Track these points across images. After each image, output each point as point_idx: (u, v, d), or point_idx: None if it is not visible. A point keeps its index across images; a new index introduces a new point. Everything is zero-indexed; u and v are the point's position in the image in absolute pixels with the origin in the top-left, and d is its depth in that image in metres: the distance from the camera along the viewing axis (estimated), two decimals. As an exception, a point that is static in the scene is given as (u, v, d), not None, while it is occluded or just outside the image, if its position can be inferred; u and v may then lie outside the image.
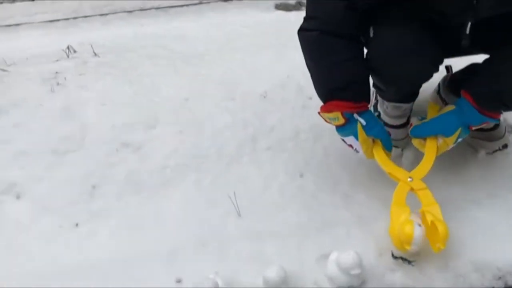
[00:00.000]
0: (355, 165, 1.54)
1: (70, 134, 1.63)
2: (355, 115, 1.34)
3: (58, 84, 1.83)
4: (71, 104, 1.74)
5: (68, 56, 2.06)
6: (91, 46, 2.13)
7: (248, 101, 1.79)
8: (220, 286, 1.14)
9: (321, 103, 1.37)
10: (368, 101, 1.38)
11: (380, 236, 1.30)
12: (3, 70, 1.92)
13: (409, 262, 1.26)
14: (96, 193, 1.48)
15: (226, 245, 1.33)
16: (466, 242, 1.27)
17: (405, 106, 1.54)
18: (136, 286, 1.21)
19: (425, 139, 1.40)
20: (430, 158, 1.36)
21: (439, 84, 1.67)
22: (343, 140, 1.40)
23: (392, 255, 1.28)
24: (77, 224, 1.39)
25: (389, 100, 1.53)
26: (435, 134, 1.38)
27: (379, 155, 1.38)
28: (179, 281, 1.23)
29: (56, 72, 1.90)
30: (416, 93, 1.54)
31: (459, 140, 1.38)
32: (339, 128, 1.38)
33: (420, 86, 1.50)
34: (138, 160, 1.57)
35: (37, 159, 1.56)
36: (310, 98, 1.78)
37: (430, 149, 1.38)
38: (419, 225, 1.20)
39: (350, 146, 1.39)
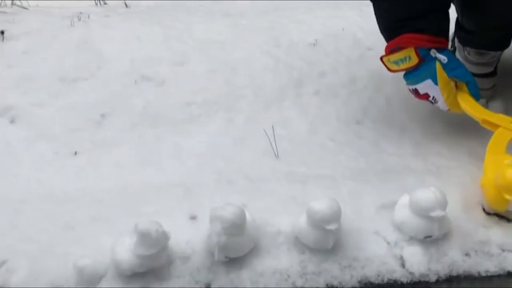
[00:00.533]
0: (428, 114, 1.21)
1: (83, 63, 1.38)
2: (433, 52, 1.05)
3: (79, 19, 1.60)
4: (90, 38, 1.49)
5: (96, 4, 1.87)
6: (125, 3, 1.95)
7: (295, 48, 1.49)
8: (248, 217, 0.84)
9: (383, 52, 1.09)
10: (448, 39, 1.10)
11: (467, 188, 0.97)
12: (24, 8, 1.74)
13: (508, 220, 0.92)
14: (104, 122, 1.21)
15: (257, 184, 1.03)
16: None
17: (493, 53, 1.24)
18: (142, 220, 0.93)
19: None
20: None
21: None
22: (413, 90, 1.10)
23: (484, 210, 0.94)
24: (76, 152, 1.12)
25: (475, 46, 1.22)
26: None
27: (466, 100, 1.06)
28: (193, 217, 0.93)
29: (80, 12, 1.69)
30: (508, 38, 1.24)
31: None
32: (411, 73, 1.09)
33: None
34: (159, 94, 1.30)
35: (42, 85, 1.31)
36: (370, 49, 1.47)
37: None
38: None
39: (425, 96, 1.09)
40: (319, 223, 0.81)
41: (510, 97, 1.25)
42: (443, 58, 1.05)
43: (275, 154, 1.11)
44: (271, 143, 1.11)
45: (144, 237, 0.77)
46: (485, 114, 1.03)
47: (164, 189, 1.01)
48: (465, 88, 1.08)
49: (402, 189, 0.97)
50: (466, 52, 1.26)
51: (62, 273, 0.83)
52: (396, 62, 1.08)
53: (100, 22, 1.62)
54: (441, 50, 1.06)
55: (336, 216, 0.81)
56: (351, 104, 1.28)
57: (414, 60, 1.06)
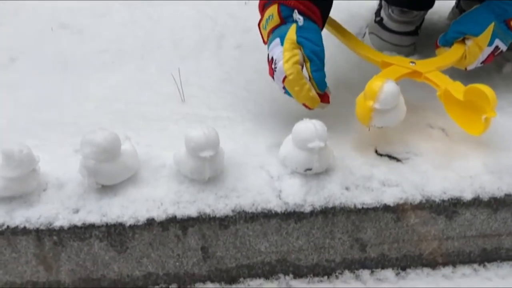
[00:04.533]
0: (341, 64, 1.20)
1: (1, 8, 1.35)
2: (295, 13, 0.91)
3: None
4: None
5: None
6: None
7: (224, 5, 1.48)
8: (127, 147, 0.82)
9: None
10: (323, 13, 0.96)
11: (365, 130, 0.95)
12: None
13: (398, 160, 0.91)
14: (12, 66, 1.18)
15: (152, 123, 1.00)
16: (481, 145, 0.92)
17: (416, 12, 1.23)
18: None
19: (451, 46, 1.03)
20: (446, 57, 1.01)
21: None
22: (268, 60, 0.94)
23: (376, 152, 0.93)
24: (-23, 93, 1.10)
25: (399, 5, 1.20)
26: (462, 36, 1.01)
27: (364, 46, 1.04)
28: (77, 151, 0.90)
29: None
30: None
31: (497, 43, 1.00)
32: (271, 35, 0.95)
33: None
34: (75, 42, 1.27)
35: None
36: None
37: (451, 52, 1.01)
38: (396, 84, 0.86)
39: (271, 62, 0.92)
40: (194, 150, 0.79)
41: (428, 55, 1.24)
42: (300, 19, 0.91)
43: (182, 99, 1.09)
44: (178, 88, 1.09)
45: (7, 158, 0.74)
46: (383, 57, 1.02)
47: (55, 127, 0.98)
48: (308, 67, 0.90)
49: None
50: (390, 10, 1.25)
51: None
52: (264, 26, 0.97)
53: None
54: (306, 16, 0.92)
55: (212, 144, 0.79)
56: (270, 57, 1.27)
57: (276, 19, 0.94)
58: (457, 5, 1.37)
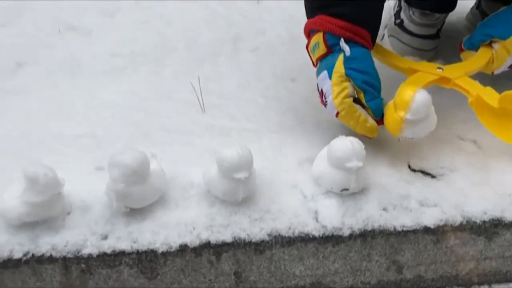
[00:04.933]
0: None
1: (4, 9, 1.27)
2: (342, 42, 0.87)
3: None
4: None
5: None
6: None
7: (237, 4, 1.43)
8: (154, 166, 0.78)
9: None
10: (372, 34, 0.92)
11: (396, 144, 0.92)
12: None
13: (432, 176, 0.89)
14: (20, 71, 1.11)
15: (175, 136, 0.95)
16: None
17: (438, 15, 1.19)
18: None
19: (477, 50, 0.99)
20: (474, 62, 0.97)
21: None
22: (318, 88, 0.92)
23: (409, 167, 0.91)
24: (-16, 100, 1.04)
25: (421, 8, 1.16)
26: (489, 39, 0.97)
27: (391, 55, 1.00)
28: (99, 168, 0.85)
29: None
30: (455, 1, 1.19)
31: None
32: (319, 65, 0.92)
33: None
34: (83, 44, 1.21)
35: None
36: (314, 8, 1.43)
37: (478, 56, 0.98)
38: (428, 93, 0.82)
39: (321, 94, 0.91)
40: (228, 171, 0.75)
41: (451, 60, 1.21)
42: (347, 49, 0.86)
43: (201, 108, 1.04)
44: (197, 97, 1.05)
45: (31, 182, 0.69)
46: (410, 64, 0.98)
47: (72, 139, 0.93)
48: (363, 98, 0.87)
49: (328, 143, 0.93)
50: (411, 12, 1.21)
51: None
52: (312, 50, 0.93)
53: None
54: (356, 44, 0.88)
55: (246, 165, 0.75)
56: (288, 61, 1.21)
57: (322, 48, 0.90)
58: (477, 6, 1.33)
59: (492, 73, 0.99)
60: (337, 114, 0.88)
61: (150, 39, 1.25)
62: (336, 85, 0.86)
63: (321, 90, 0.90)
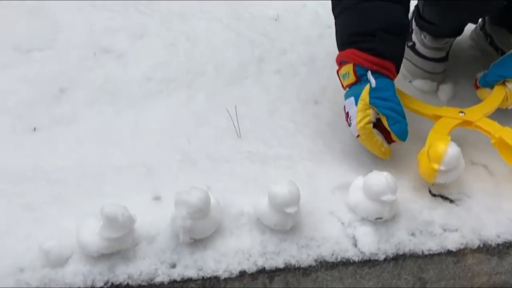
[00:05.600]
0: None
1: (38, 32, 1.34)
2: (369, 74, 0.99)
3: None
4: (44, 3, 1.45)
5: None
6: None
7: (257, 23, 1.50)
8: (212, 200, 0.87)
9: None
10: (396, 66, 1.03)
11: (416, 171, 1.03)
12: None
13: (451, 201, 1.00)
14: (63, 97, 1.19)
15: (219, 164, 1.05)
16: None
17: (447, 39, 1.29)
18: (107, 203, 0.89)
19: (492, 87, 1.12)
20: (491, 102, 1.09)
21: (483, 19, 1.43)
22: (344, 109, 1.06)
23: (430, 192, 1.02)
24: (34, 129, 1.10)
25: (433, 35, 1.27)
26: (503, 79, 1.11)
27: (414, 101, 1.10)
28: (157, 198, 0.95)
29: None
30: (463, 27, 1.30)
31: None
32: (347, 91, 1.05)
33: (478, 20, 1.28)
34: (118, 68, 1.28)
35: (-6, 54, 1.27)
36: (330, 27, 1.50)
37: (494, 95, 1.10)
38: (457, 147, 0.94)
39: (346, 116, 1.04)
40: (279, 206, 0.85)
41: (459, 80, 1.32)
42: (373, 82, 0.98)
43: (237, 134, 1.13)
44: (233, 122, 1.14)
45: (110, 221, 0.78)
46: (434, 110, 1.09)
47: (124, 168, 1.02)
48: (386, 123, 0.99)
49: (357, 170, 1.04)
50: (422, 36, 1.31)
51: (25, 255, 0.83)
52: (343, 77, 1.05)
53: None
54: (381, 76, 1.00)
55: (295, 200, 0.85)
56: (310, 83, 1.31)
57: (352, 77, 1.01)
58: (481, 27, 1.43)
59: (507, 108, 1.12)
60: (358, 136, 1.02)
61: (180, 62, 1.33)
62: (361, 111, 0.99)
63: (347, 112, 1.04)
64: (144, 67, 1.30)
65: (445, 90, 1.29)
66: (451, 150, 0.92)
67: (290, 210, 0.85)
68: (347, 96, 1.04)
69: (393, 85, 1.02)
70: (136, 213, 0.86)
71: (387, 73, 1.01)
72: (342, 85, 1.07)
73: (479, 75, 1.18)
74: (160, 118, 1.17)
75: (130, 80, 1.26)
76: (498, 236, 0.93)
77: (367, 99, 0.98)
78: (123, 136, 1.11)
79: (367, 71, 0.99)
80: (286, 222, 0.87)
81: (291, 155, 1.09)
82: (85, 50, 1.31)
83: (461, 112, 1.06)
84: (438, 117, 1.06)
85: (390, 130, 0.99)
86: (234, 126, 1.13)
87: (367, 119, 0.99)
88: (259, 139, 1.13)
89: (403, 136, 1.00)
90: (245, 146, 1.11)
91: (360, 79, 1.00)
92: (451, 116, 1.06)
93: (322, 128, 1.18)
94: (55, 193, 0.95)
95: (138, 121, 1.15)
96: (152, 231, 0.87)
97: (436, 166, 0.92)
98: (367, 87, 0.99)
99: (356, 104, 0.99)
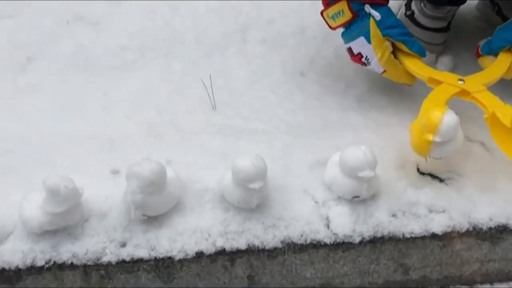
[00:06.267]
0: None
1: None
2: (367, 7, 0.97)
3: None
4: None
5: None
6: None
7: (244, -11, 1.42)
8: (171, 174, 0.79)
9: None
10: None
11: (404, 146, 0.92)
12: None
13: (441, 180, 0.91)
14: (30, 66, 1.12)
15: (188, 137, 0.97)
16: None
17: (449, 7, 1.18)
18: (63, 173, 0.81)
19: (497, 55, 1.00)
20: (493, 71, 0.97)
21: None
22: (348, 50, 1.03)
23: (418, 170, 0.92)
24: (-4, 97, 1.04)
25: (435, 3, 1.16)
26: (509, 44, 0.98)
27: (411, 59, 1.00)
28: (115, 172, 0.87)
29: None
30: None
31: None
32: (346, 30, 1.02)
33: None
34: (92, 36, 1.20)
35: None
36: (323, -5, 1.41)
37: (497, 64, 0.98)
38: (455, 115, 0.83)
39: (358, 56, 1.01)
40: (242, 181, 0.77)
41: (460, 52, 1.21)
42: (376, 14, 0.97)
43: (212, 106, 1.05)
44: (208, 94, 1.05)
45: (52, 193, 0.71)
46: (431, 73, 0.98)
47: (85, 140, 0.95)
48: (405, 48, 1.00)
49: (338, 146, 0.94)
50: (422, 4, 1.20)
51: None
52: (333, 17, 1.01)
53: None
54: (376, 6, 0.98)
55: (260, 175, 0.77)
56: (298, 54, 1.21)
57: (348, 15, 0.99)
58: (487, -7, 1.32)
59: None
60: (383, 72, 1.01)
61: (159, 30, 1.24)
62: (378, 48, 0.98)
63: (359, 53, 1.01)
64: (120, 35, 1.21)
65: (444, 62, 1.18)
66: (448, 118, 0.81)
67: (254, 185, 0.76)
68: (351, 37, 1.01)
69: (391, 10, 1.01)
70: (89, 187, 0.79)
71: (382, 2, 1.00)
72: (330, 26, 1.04)
73: (482, 42, 1.07)
74: (131, 89, 1.09)
75: (104, 49, 1.18)
76: (491, 219, 0.83)
77: (379, 34, 0.98)
78: (88, 107, 1.03)
79: (363, 5, 0.98)
80: (251, 199, 0.78)
81: (268, 128, 1.00)
82: (58, 17, 1.23)
83: (461, 80, 0.95)
84: (434, 81, 0.95)
85: (412, 52, 0.99)
86: (209, 98, 1.05)
87: (388, 52, 0.99)
88: (235, 111, 1.04)
89: (424, 52, 1.02)
90: (219, 119, 1.02)
91: (358, 15, 0.98)
92: (449, 82, 0.94)
93: (306, 101, 1.09)
94: (6, 163, 0.88)
95: (107, 92, 1.07)
96: (104, 206, 0.80)
97: (430, 137, 0.80)
98: (372, 22, 0.97)
99: (369, 42, 0.98)
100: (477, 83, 0.94)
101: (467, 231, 0.82)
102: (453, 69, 1.17)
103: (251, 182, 0.77)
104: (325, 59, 1.21)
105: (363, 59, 1.01)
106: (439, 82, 0.95)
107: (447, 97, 0.92)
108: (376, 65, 0.99)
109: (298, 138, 0.98)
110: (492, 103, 0.90)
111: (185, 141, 0.96)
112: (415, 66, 1.00)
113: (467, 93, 0.93)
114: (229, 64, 1.18)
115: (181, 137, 0.97)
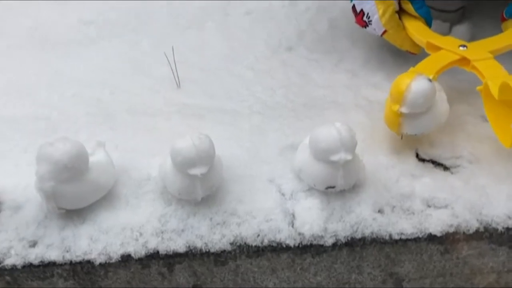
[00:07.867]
0: (374, 40, 0.99)
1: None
2: None
3: None
4: None
5: None
6: None
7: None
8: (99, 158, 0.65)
9: None
10: None
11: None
12: None
13: (446, 168, 0.72)
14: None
15: (141, 119, 0.81)
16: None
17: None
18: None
19: None
20: (507, 35, 0.79)
21: None
22: (353, 8, 0.89)
23: (417, 156, 0.74)
24: None
25: None
26: None
27: (411, 21, 0.84)
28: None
29: None
30: None
31: None
32: None
33: None
34: (54, 10, 1.06)
35: None
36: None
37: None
38: (430, 81, 0.65)
39: (361, 15, 0.88)
40: (181, 166, 0.61)
41: (479, 22, 1.02)
42: None
43: (177, 84, 0.90)
44: (172, 70, 0.91)
45: None
46: (430, 37, 0.80)
47: (22, 121, 0.81)
48: (411, 8, 0.85)
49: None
50: (433, -36, 1.03)
51: None
52: None
53: None
54: None
55: (204, 158, 0.61)
56: (286, 27, 1.03)
57: None
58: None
59: None
60: (384, 32, 0.87)
61: (129, 3, 1.09)
62: (380, 3, 0.85)
63: (361, 11, 0.88)
64: (85, 8, 1.08)
65: (460, 32, 0.98)
66: (417, 84, 0.64)
67: (194, 171, 0.60)
68: None
69: None
70: (12, 176, 0.66)
71: None
72: None
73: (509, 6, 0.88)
74: (89, 68, 0.94)
75: (66, 24, 1.04)
76: (509, 218, 0.64)
77: None
78: (38, 86, 0.90)
79: None
80: (194, 189, 0.62)
81: (238, 108, 0.84)
82: (21, -7, 1.12)
83: (463, 45, 0.76)
84: (432, 47, 0.78)
85: (417, 14, 0.85)
86: (173, 74, 0.90)
87: (391, 9, 0.84)
88: (202, 89, 0.89)
89: (431, 20, 0.88)
90: (182, 98, 0.87)
91: None
92: (447, 48, 0.76)
93: (289, 77, 0.92)
94: None
95: (61, 70, 0.93)
96: (21, 198, 0.66)
97: (396, 108, 0.65)
98: None
99: None
100: (481, 50, 0.75)
101: (477, 231, 0.63)
102: (470, 40, 0.99)
103: (191, 168, 0.61)
104: (317, 32, 1.03)
105: (364, 18, 0.88)
106: (438, 48, 0.77)
107: (441, 65, 0.74)
108: (376, 23, 0.86)
109: (273, 119, 0.81)
110: (493, 73, 0.70)
111: (136, 123, 0.81)
112: (415, 29, 0.82)
113: (467, 61, 0.74)
114: (205, 39, 1.02)
115: (132, 118, 0.82)
